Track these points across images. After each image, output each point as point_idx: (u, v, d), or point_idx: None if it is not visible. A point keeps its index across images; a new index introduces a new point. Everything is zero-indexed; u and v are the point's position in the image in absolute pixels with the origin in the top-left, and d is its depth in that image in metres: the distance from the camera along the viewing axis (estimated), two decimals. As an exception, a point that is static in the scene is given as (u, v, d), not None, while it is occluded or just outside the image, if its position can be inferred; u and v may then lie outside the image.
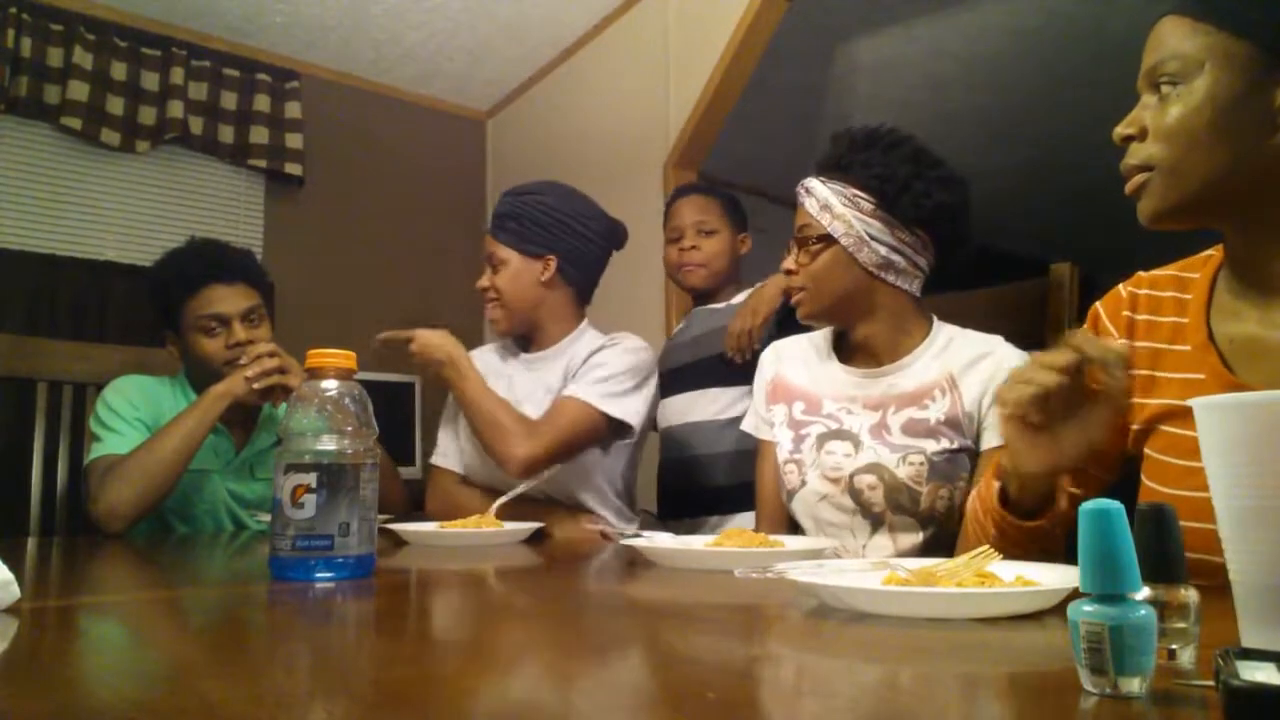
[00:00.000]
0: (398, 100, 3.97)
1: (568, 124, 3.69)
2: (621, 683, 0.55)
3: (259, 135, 3.50)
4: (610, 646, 0.68)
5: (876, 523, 1.32)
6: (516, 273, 1.77)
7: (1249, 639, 0.51)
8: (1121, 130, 0.89)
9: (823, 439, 1.38)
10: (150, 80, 3.28)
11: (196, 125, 3.39)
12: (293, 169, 3.57)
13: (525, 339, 1.86)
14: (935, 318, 1.42)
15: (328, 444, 0.95)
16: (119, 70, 3.21)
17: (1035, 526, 0.95)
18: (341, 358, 1.00)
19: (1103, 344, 0.87)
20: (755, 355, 1.64)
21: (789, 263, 1.41)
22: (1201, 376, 0.91)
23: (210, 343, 1.76)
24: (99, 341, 2.55)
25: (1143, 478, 0.97)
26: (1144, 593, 0.45)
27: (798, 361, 1.49)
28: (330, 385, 0.99)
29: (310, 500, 0.93)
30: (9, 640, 0.65)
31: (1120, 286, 1.04)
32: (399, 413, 3.49)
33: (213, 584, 1.10)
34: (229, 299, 1.77)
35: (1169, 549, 0.48)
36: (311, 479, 0.93)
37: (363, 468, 0.97)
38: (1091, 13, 3.38)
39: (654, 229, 3.05)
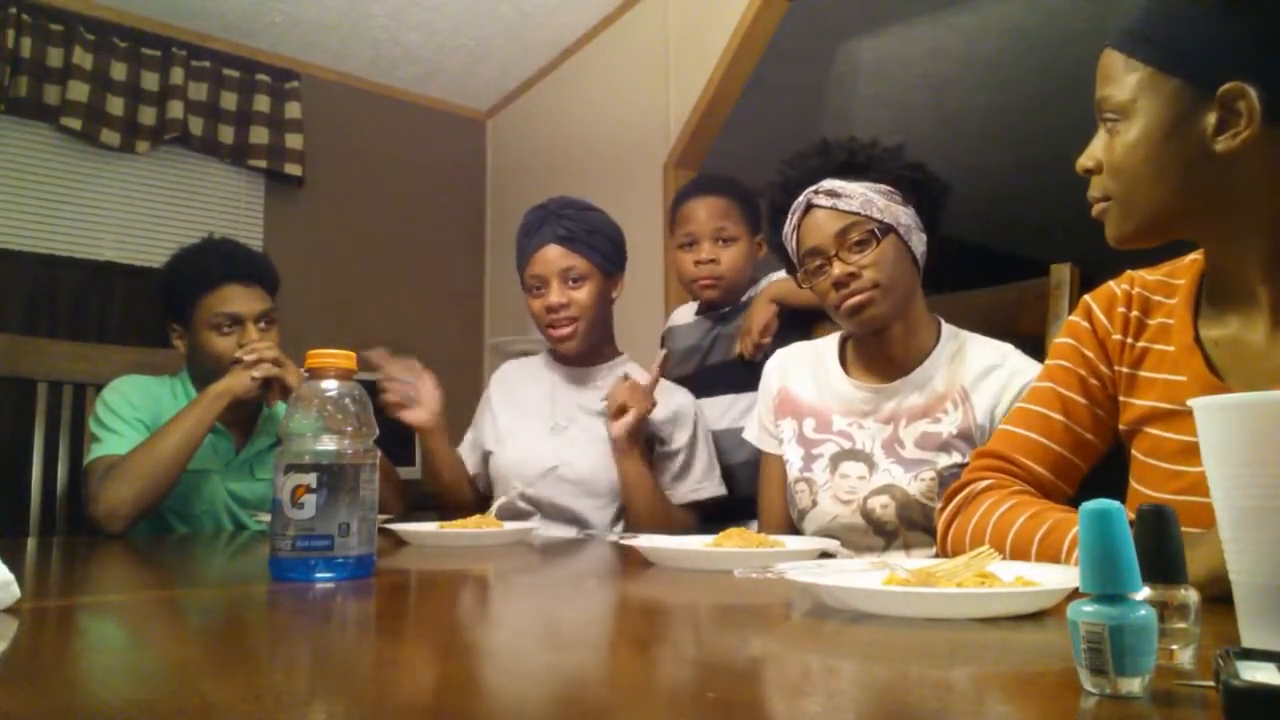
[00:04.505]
0: (398, 100, 3.97)
1: (568, 124, 3.69)
2: (622, 682, 0.55)
3: (259, 135, 3.50)
4: (610, 646, 0.68)
5: (890, 538, 1.32)
6: (599, 289, 1.76)
7: (1249, 639, 0.51)
8: (1081, 164, 0.94)
9: (836, 460, 1.37)
10: (150, 80, 3.28)
11: (196, 125, 3.38)
12: (293, 169, 3.57)
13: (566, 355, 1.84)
14: (942, 320, 1.42)
15: (328, 444, 0.95)
16: (119, 70, 3.21)
17: None
18: (341, 358, 1.00)
19: None
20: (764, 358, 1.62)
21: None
22: (1184, 379, 0.92)
23: (221, 340, 1.76)
24: (99, 341, 2.55)
25: (1130, 479, 0.98)
26: (1144, 593, 0.45)
27: (804, 373, 1.48)
28: (330, 385, 0.99)
29: (310, 500, 0.93)
30: (9, 640, 0.65)
31: (1112, 284, 1.05)
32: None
33: (213, 584, 1.10)
34: (245, 299, 1.77)
35: (1169, 549, 0.48)
36: (311, 479, 0.93)
37: (363, 468, 0.97)
38: (1090, 13, 3.38)
39: (654, 229, 3.06)
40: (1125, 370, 1.00)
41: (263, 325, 1.80)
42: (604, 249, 1.76)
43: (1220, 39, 0.83)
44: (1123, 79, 0.88)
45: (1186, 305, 0.95)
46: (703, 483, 1.73)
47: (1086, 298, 1.06)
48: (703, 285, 1.90)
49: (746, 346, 1.80)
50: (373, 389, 1.08)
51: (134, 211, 3.29)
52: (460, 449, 1.89)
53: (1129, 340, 1.00)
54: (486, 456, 1.84)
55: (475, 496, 1.85)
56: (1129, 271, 1.04)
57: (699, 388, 1.86)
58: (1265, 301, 0.88)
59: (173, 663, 0.61)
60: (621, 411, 1.59)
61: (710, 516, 1.74)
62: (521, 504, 1.72)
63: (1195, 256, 0.98)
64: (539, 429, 1.79)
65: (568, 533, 1.72)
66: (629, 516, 1.66)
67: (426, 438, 1.77)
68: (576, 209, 1.77)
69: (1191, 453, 0.89)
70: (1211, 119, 0.83)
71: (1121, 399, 1.00)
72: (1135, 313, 1.00)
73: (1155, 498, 0.92)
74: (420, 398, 1.76)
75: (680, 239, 1.92)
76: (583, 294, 1.73)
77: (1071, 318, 1.07)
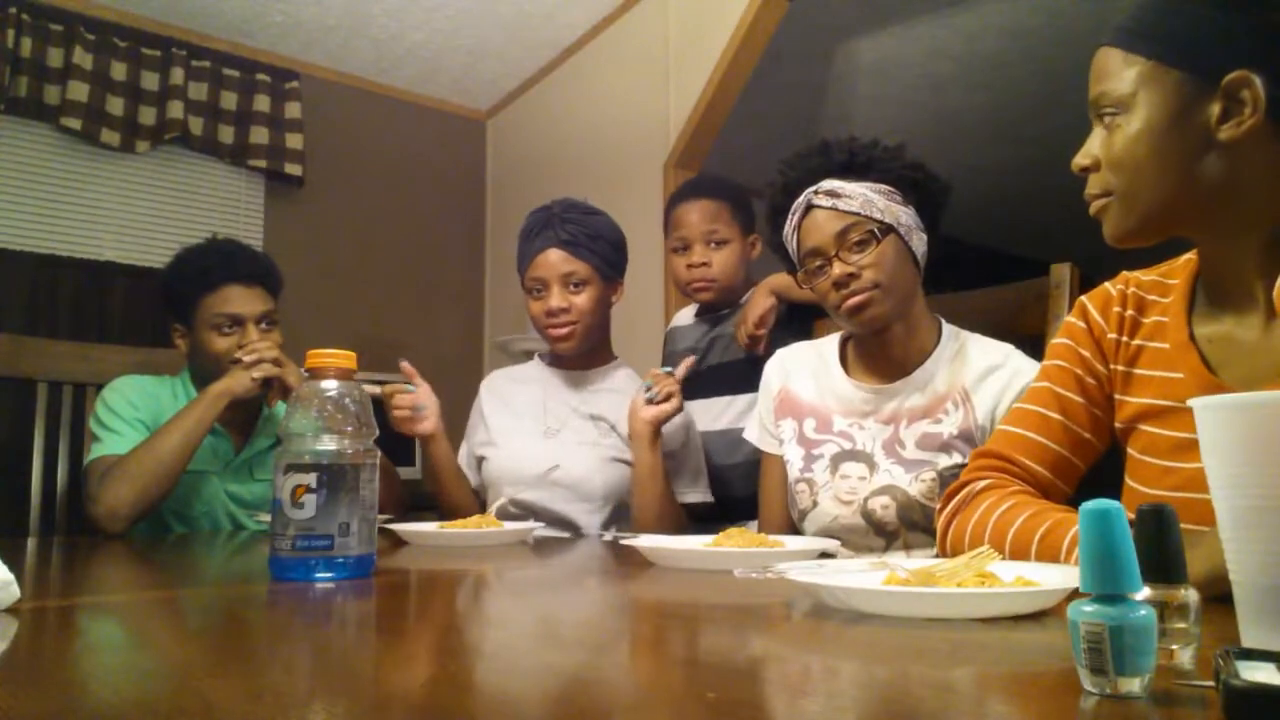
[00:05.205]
0: (398, 100, 3.97)
1: (568, 124, 3.69)
2: (621, 683, 0.55)
3: (259, 135, 3.51)
4: (610, 646, 0.68)
5: (891, 539, 1.32)
6: (600, 295, 1.75)
7: (1249, 639, 0.51)
8: (1078, 162, 0.94)
9: (837, 460, 1.37)
10: (150, 80, 3.28)
11: (196, 125, 3.39)
12: (293, 169, 3.57)
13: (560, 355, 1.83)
14: (943, 320, 1.42)
15: (328, 444, 0.95)
16: (119, 70, 3.21)
17: None
18: (341, 358, 1.00)
19: None
20: (765, 355, 1.62)
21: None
22: (1181, 375, 0.93)
23: (222, 341, 1.76)
24: (99, 341, 2.55)
25: (1125, 477, 0.98)
26: (1144, 593, 0.45)
27: (805, 373, 1.47)
28: (330, 385, 0.99)
29: (310, 500, 0.93)
30: (9, 640, 0.65)
31: (1107, 284, 1.05)
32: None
33: (213, 584, 1.10)
34: (246, 300, 1.77)
35: (1169, 549, 0.48)
36: (311, 479, 0.93)
37: (363, 468, 0.97)
38: (1091, 12, 3.38)
39: (654, 229, 3.05)
40: (1121, 368, 1.00)
41: (264, 326, 1.80)
42: (606, 254, 1.75)
43: (1221, 31, 0.84)
44: (1121, 73, 0.88)
45: (1181, 303, 0.96)
46: (691, 488, 1.73)
47: (1082, 298, 1.07)
48: (696, 288, 1.91)
49: (742, 336, 1.80)
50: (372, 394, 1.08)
51: (134, 211, 3.29)
52: (458, 463, 1.88)
53: (1124, 339, 1.00)
54: (480, 463, 1.83)
55: (479, 509, 1.82)
56: (1124, 272, 1.05)
57: (695, 389, 1.86)
58: (1261, 297, 0.88)
59: (173, 663, 0.61)
60: (664, 400, 1.58)
61: (710, 517, 1.74)
62: (513, 509, 1.71)
63: (1190, 256, 0.99)
64: (533, 432, 1.78)
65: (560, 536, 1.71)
66: (635, 508, 1.66)
67: (431, 445, 1.76)
68: (580, 213, 1.75)
69: (1187, 448, 0.89)
70: (1215, 109, 0.84)
71: (1117, 397, 1.00)
72: (1130, 311, 1.01)
73: (1150, 494, 0.92)
74: (425, 406, 1.74)
75: (673, 243, 1.94)
76: (583, 299, 1.72)
77: (1068, 318, 1.08)
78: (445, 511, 1.80)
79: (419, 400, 1.71)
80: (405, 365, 1.76)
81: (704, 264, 1.88)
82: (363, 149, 3.85)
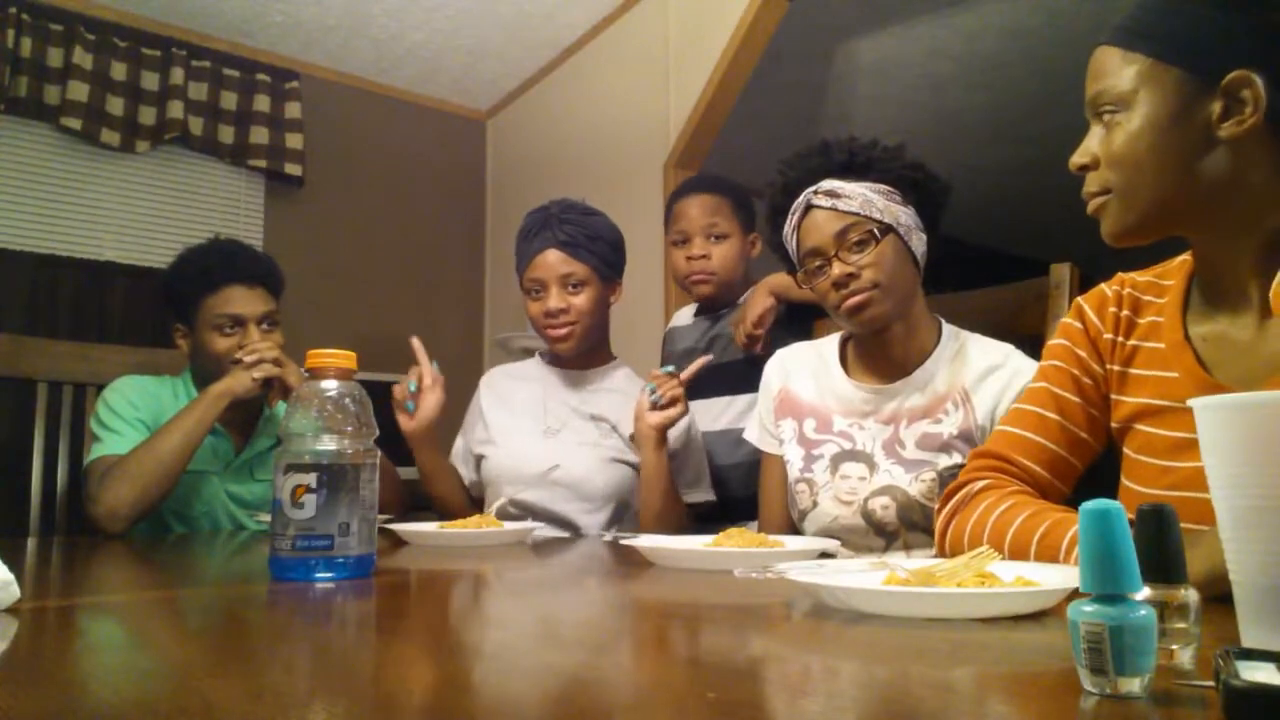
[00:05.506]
0: (398, 100, 3.97)
1: (568, 124, 3.69)
2: (621, 683, 0.55)
3: (259, 135, 3.51)
4: (610, 646, 0.68)
5: (891, 539, 1.32)
6: (599, 296, 1.75)
7: (1249, 639, 0.51)
8: (1076, 160, 0.94)
9: (837, 460, 1.37)
10: (150, 80, 3.28)
11: (196, 125, 3.39)
12: (293, 169, 3.57)
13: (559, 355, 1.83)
14: (942, 320, 1.42)
15: (328, 444, 0.95)
16: (119, 70, 3.21)
17: None
18: (341, 358, 1.00)
19: None
20: (765, 355, 1.62)
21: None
22: (1176, 375, 0.93)
23: (223, 341, 1.76)
24: (99, 341, 2.55)
25: (1121, 477, 0.98)
26: (1144, 593, 0.45)
27: (805, 373, 1.47)
28: (330, 385, 0.99)
29: (310, 500, 0.93)
30: (9, 640, 0.65)
31: (1103, 285, 1.06)
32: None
33: (212, 584, 1.10)
34: (248, 301, 1.77)
35: (1169, 549, 0.48)
36: (311, 479, 0.93)
37: (363, 468, 0.97)
38: (1091, 12, 3.38)
39: (654, 229, 3.05)
40: (1116, 368, 1.00)
41: (265, 327, 1.80)
42: (604, 255, 1.75)
43: (1221, 31, 0.84)
44: (1121, 71, 0.89)
45: (1176, 303, 0.96)
46: (693, 488, 1.73)
47: (1079, 299, 1.07)
48: (695, 281, 1.92)
49: (740, 336, 1.80)
50: (374, 388, 1.08)
51: (134, 211, 3.29)
52: (452, 459, 1.88)
53: (1120, 339, 1.01)
54: (479, 461, 1.83)
55: (470, 506, 1.82)
56: (1120, 274, 1.05)
57: (694, 389, 1.86)
58: (1256, 296, 0.88)
59: (173, 663, 0.61)
60: (670, 404, 1.57)
61: (709, 517, 1.74)
62: (512, 509, 1.71)
63: (1185, 257, 0.99)
64: (533, 431, 1.78)
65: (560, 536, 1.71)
66: (640, 508, 1.66)
67: (413, 447, 1.75)
68: (578, 213, 1.75)
69: (1183, 448, 0.89)
70: (1215, 108, 0.84)
71: (1113, 397, 1.01)
72: (1126, 312, 1.01)
73: (1147, 494, 0.92)
74: (419, 406, 1.72)
75: (673, 236, 1.95)
76: (581, 299, 1.72)
77: (1064, 319, 1.08)
78: (440, 509, 1.80)
79: (406, 397, 1.70)
80: (435, 372, 1.75)
81: (703, 256, 1.89)
82: (363, 149, 3.85)
